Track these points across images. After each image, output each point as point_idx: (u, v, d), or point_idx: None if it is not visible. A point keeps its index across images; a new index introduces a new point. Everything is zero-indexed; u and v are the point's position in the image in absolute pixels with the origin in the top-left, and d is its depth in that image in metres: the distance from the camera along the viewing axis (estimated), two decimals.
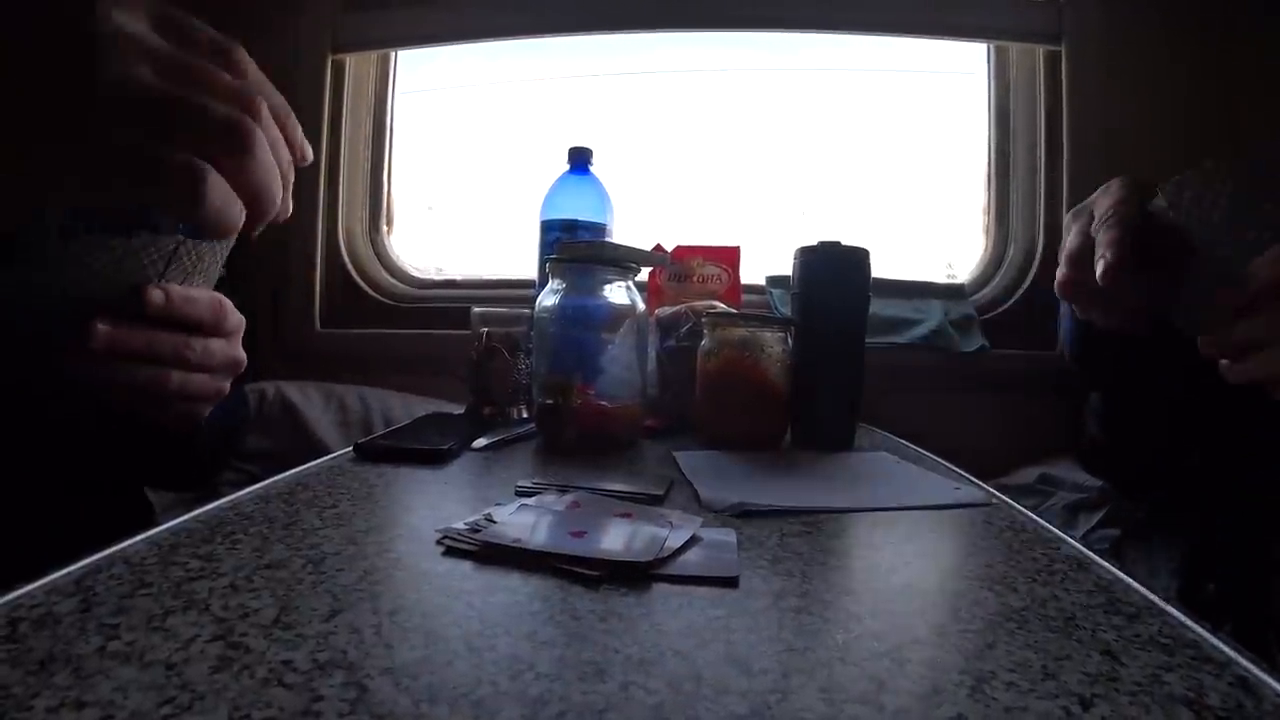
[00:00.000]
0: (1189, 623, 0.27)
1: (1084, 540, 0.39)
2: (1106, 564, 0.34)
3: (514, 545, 0.32)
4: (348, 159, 1.34)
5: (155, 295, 0.36)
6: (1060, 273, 0.43)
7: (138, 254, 0.35)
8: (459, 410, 0.81)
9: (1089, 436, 0.55)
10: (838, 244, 0.65)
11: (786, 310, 1.05)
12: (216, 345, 0.40)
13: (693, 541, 0.35)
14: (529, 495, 0.42)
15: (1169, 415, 0.48)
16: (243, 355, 0.42)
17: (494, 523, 0.35)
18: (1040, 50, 1.20)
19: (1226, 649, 0.25)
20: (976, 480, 0.53)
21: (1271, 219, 0.34)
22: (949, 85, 1.31)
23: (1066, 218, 0.44)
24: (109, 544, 0.31)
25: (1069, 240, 0.42)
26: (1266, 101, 1.07)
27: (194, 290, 0.38)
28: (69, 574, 0.28)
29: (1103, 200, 0.41)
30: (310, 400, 1.09)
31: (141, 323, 0.36)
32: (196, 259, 0.38)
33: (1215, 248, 0.36)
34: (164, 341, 0.37)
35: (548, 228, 0.83)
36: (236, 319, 0.41)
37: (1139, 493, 0.74)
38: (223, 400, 0.49)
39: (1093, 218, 0.41)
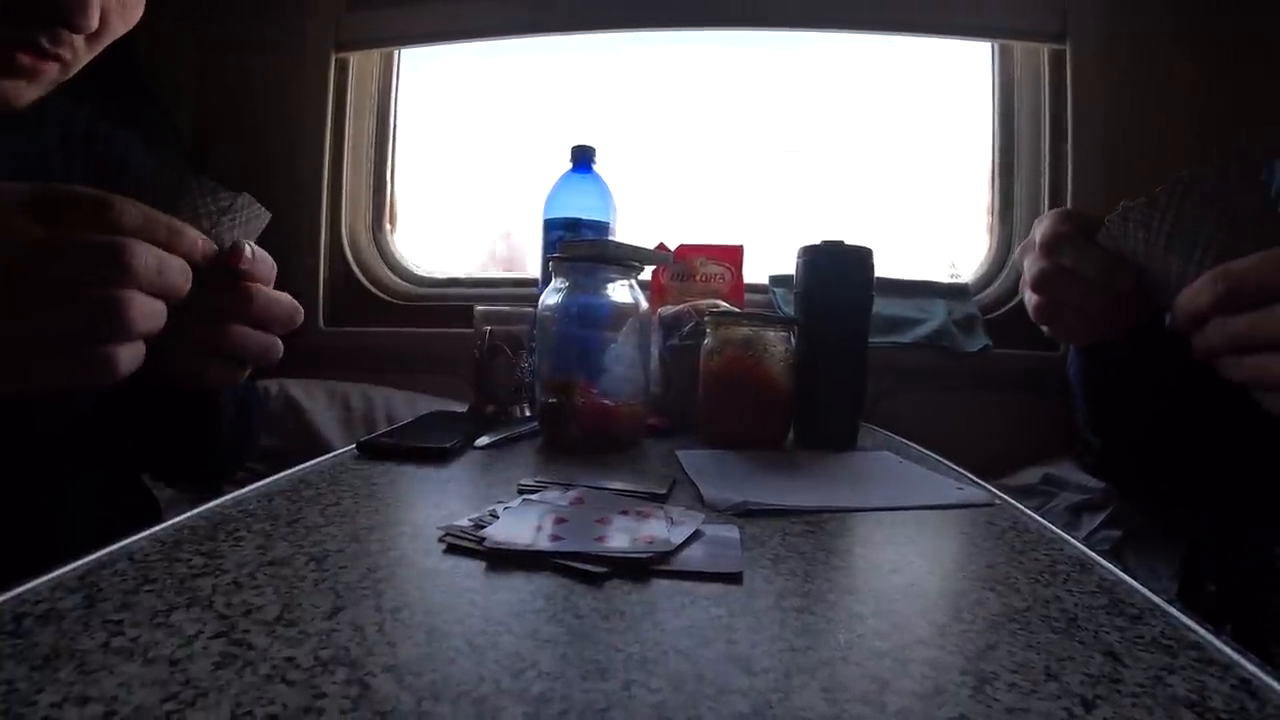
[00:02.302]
0: (1192, 624, 0.27)
1: (1086, 541, 0.39)
2: (1109, 565, 0.34)
3: (516, 543, 0.32)
4: (351, 157, 1.34)
5: (248, 251, 0.37)
6: (1034, 300, 0.45)
7: (198, 199, 0.36)
8: (462, 408, 0.81)
9: (1083, 438, 0.55)
10: (840, 243, 0.65)
11: (789, 309, 1.05)
12: (288, 301, 0.40)
13: (696, 537, 0.35)
14: (532, 493, 0.42)
15: (1156, 415, 0.49)
16: (300, 309, 0.42)
17: (496, 520, 0.35)
18: (1044, 49, 1.19)
19: (1229, 651, 0.25)
20: (979, 480, 0.53)
21: (1210, 243, 0.36)
22: (953, 84, 1.31)
23: (1015, 254, 0.46)
24: (113, 541, 0.31)
25: (1028, 270, 0.44)
26: (1270, 97, 1.07)
27: (261, 250, 0.39)
28: (74, 570, 0.28)
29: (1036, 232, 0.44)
30: (314, 398, 1.09)
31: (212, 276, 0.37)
32: (251, 217, 0.39)
33: (1159, 273, 0.38)
34: (279, 302, 0.39)
35: (550, 226, 0.83)
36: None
37: (1138, 494, 0.74)
38: (240, 394, 0.50)
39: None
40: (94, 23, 0.40)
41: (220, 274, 0.37)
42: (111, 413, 0.48)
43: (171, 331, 0.34)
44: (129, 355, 0.32)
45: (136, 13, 0.45)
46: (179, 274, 0.33)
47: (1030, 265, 0.43)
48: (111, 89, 1.14)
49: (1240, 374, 0.35)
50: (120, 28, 0.44)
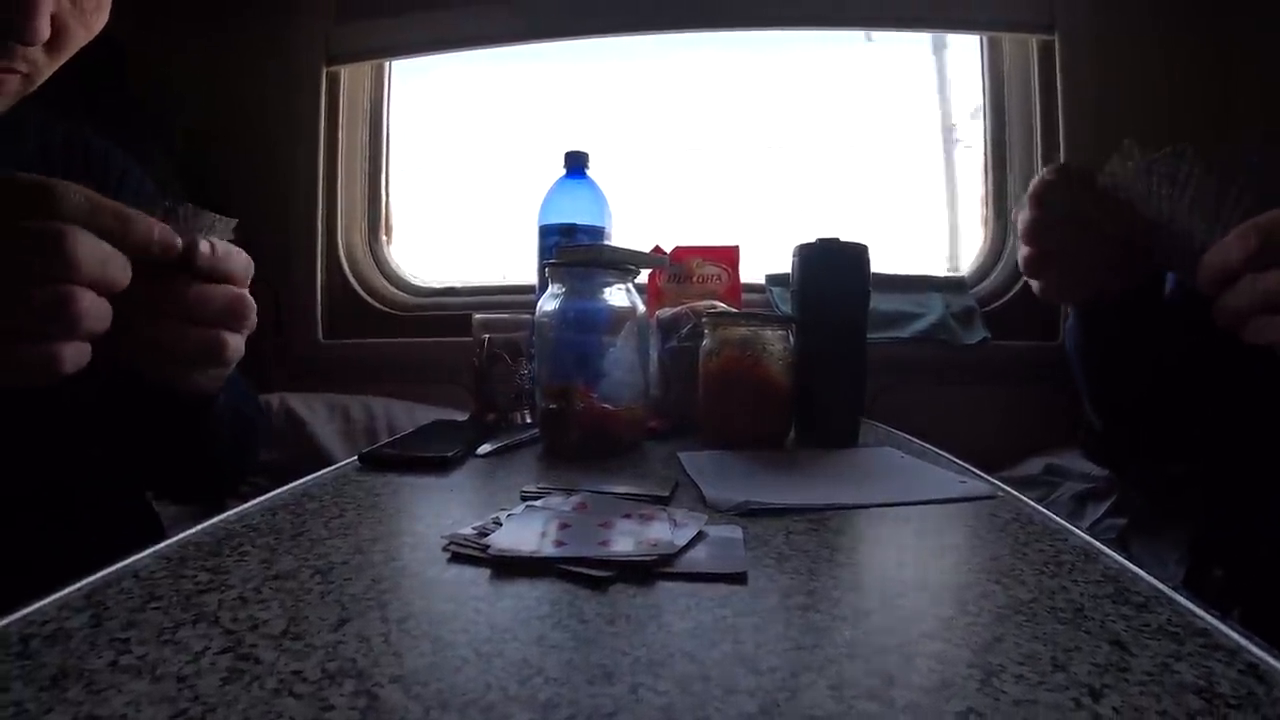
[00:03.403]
0: (1198, 611, 0.27)
1: (1091, 530, 0.38)
2: (1114, 554, 0.34)
3: (520, 550, 0.32)
4: (345, 170, 1.34)
5: (205, 246, 0.35)
6: (1024, 252, 0.45)
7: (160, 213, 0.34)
8: (463, 417, 0.81)
9: (1087, 425, 0.55)
10: (836, 240, 0.65)
11: (787, 308, 1.05)
12: (229, 293, 0.38)
13: (699, 539, 0.35)
14: (535, 499, 0.42)
15: (1157, 385, 0.49)
16: (249, 299, 0.39)
17: (500, 527, 0.35)
18: (1033, 40, 1.20)
19: (1236, 636, 0.25)
20: (982, 473, 0.53)
21: (1240, 199, 0.34)
22: (944, 79, 1.31)
23: (1013, 214, 0.47)
24: (118, 559, 0.31)
25: (1020, 222, 0.45)
26: (1258, 83, 1.07)
27: (231, 246, 0.37)
28: (79, 589, 0.28)
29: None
30: (315, 411, 1.09)
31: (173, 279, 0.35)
32: (202, 226, 0.37)
33: (1182, 231, 0.37)
34: (215, 297, 0.36)
35: (546, 232, 0.83)
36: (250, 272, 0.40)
37: (1143, 480, 0.74)
38: (237, 402, 0.49)
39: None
40: (43, 34, 0.39)
41: (166, 271, 0.35)
42: (106, 423, 0.47)
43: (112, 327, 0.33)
44: (73, 354, 0.31)
45: (99, 19, 0.44)
46: (120, 268, 0.32)
47: (1021, 217, 0.44)
48: (99, 100, 1.14)
49: (1271, 335, 0.33)
50: (83, 35, 0.43)
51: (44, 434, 0.46)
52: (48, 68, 0.43)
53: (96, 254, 0.31)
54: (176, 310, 0.36)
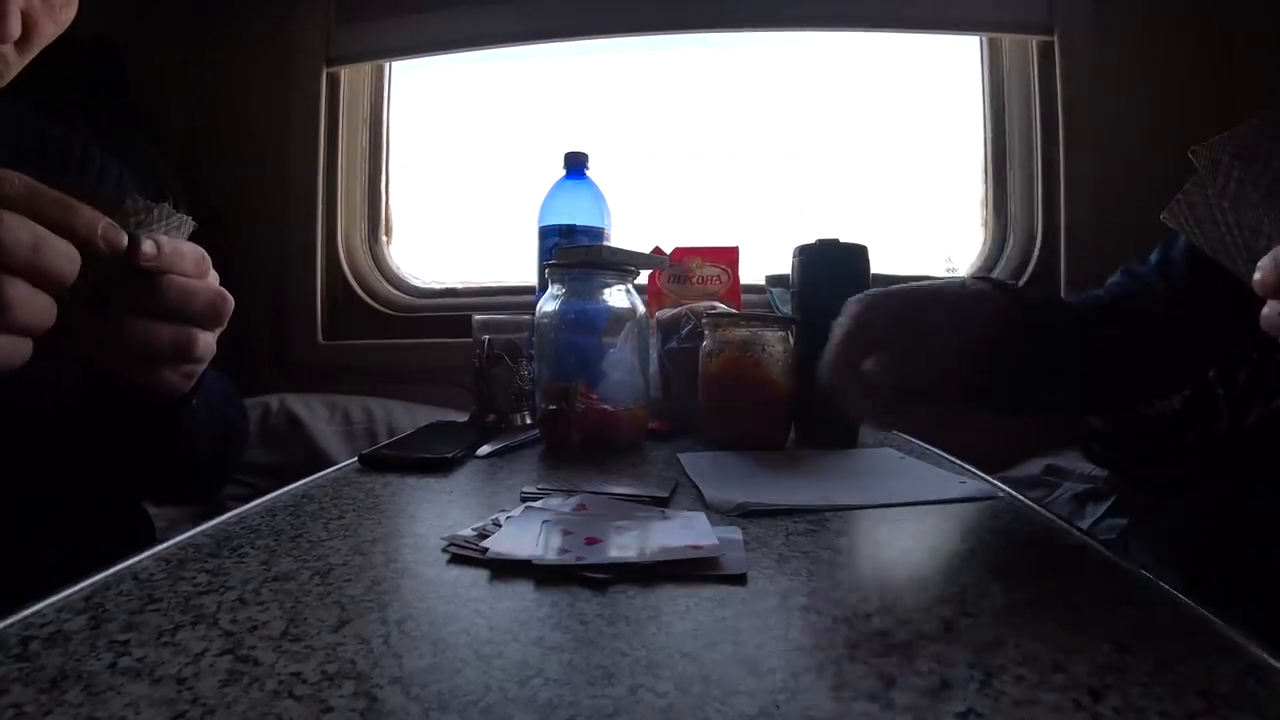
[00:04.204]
0: (1198, 610, 0.27)
1: (1092, 530, 0.38)
2: (1114, 554, 0.34)
3: (519, 552, 0.32)
4: (345, 171, 1.34)
5: (149, 245, 0.33)
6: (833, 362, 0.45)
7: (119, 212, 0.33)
8: (463, 418, 0.81)
9: (1088, 425, 0.55)
10: (836, 241, 0.65)
11: (787, 309, 1.04)
12: (210, 291, 0.36)
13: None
14: (534, 501, 0.42)
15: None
16: (229, 297, 0.38)
17: (500, 529, 0.35)
18: (1033, 41, 1.20)
19: (1236, 636, 0.25)
20: (982, 474, 0.53)
21: None
22: (944, 79, 1.32)
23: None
24: (113, 561, 0.31)
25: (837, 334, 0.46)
26: (1260, 82, 1.07)
27: (180, 242, 0.35)
28: (78, 591, 0.28)
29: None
30: (314, 412, 1.10)
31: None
32: (173, 226, 0.36)
33: (1251, 222, 0.33)
34: (184, 292, 0.34)
35: (546, 233, 0.83)
36: (214, 274, 0.38)
37: (1143, 481, 0.74)
38: (218, 405, 0.48)
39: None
40: (14, 32, 0.38)
41: (132, 270, 0.33)
42: (87, 425, 0.46)
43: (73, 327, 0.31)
44: (6, 347, 0.29)
45: (68, 13, 0.43)
46: (62, 258, 0.29)
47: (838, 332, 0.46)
48: (98, 104, 1.13)
49: None
50: (51, 30, 0.42)
51: (29, 438, 0.46)
52: (17, 64, 0.42)
53: (29, 240, 0.28)
54: (142, 306, 0.34)
